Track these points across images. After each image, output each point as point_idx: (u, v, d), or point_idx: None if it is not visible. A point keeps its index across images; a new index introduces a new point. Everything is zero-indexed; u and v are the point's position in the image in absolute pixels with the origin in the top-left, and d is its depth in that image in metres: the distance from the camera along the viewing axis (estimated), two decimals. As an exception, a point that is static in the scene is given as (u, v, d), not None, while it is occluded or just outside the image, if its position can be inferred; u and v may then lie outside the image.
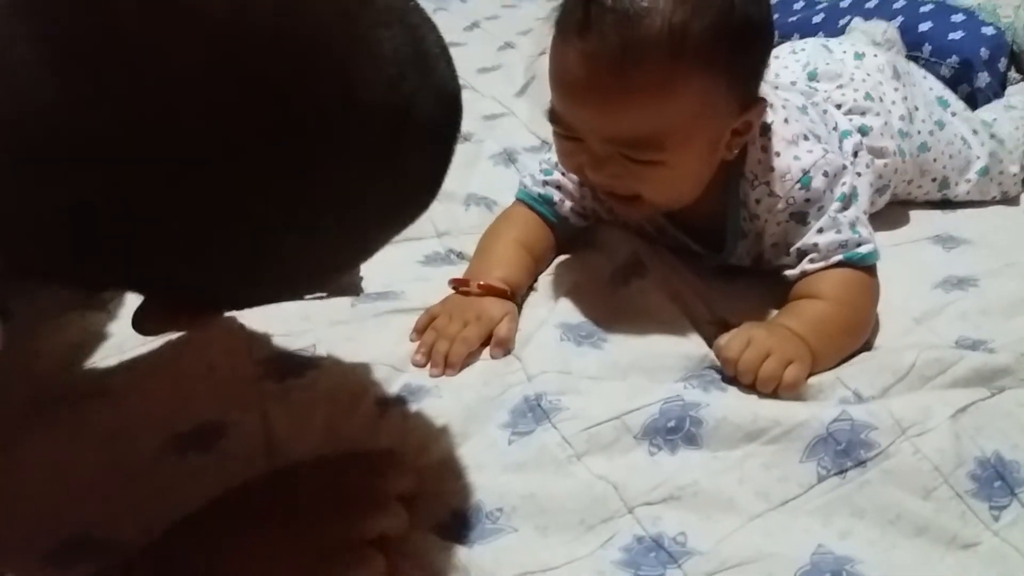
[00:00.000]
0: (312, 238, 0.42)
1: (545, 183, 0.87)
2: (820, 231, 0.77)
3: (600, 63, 0.67)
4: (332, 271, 0.50)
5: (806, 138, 0.79)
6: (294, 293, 0.51)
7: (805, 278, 0.77)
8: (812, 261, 0.77)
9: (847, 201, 0.78)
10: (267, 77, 0.37)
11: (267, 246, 0.42)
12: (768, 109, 0.77)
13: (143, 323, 0.47)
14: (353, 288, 0.84)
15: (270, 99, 0.38)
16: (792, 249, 0.78)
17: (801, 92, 0.94)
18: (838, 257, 0.76)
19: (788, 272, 0.79)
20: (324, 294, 0.82)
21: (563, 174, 0.86)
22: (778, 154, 0.78)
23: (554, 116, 0.74)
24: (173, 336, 0.74)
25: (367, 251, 0.48)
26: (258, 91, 0.37)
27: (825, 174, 0.77)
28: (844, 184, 0.78)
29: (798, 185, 0.77)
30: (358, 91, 0.40)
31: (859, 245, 0.77)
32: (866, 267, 0.77)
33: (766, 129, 0.78)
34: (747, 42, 0.71)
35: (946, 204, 1.04)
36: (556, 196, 0.87)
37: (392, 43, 0.41)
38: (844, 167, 0.79)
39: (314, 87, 0.38)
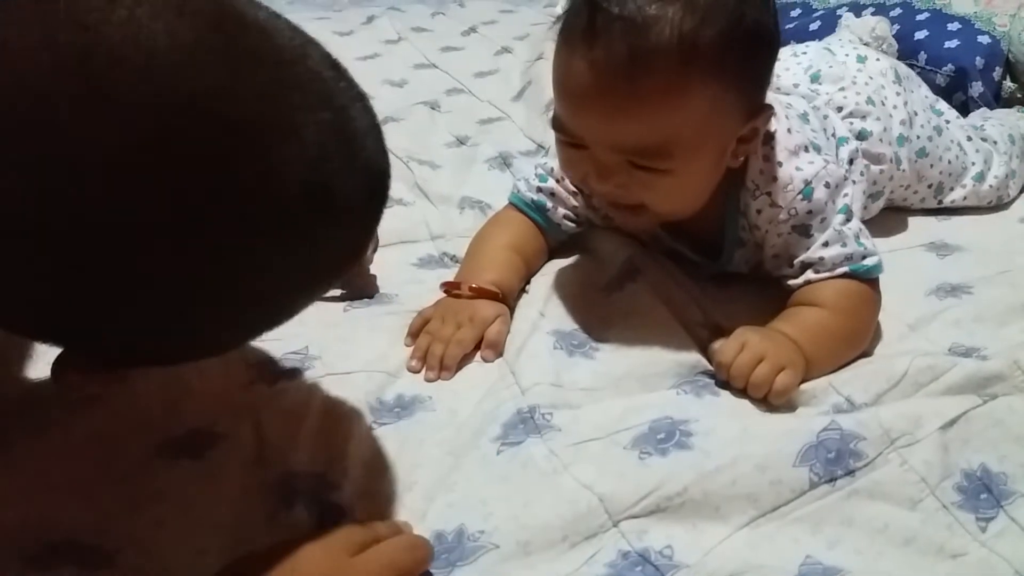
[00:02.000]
0: (225, 304, 0.45)
1: (539, 189, 0.87)
2: (826, 244, 0.76)
3: (608, 72, 0.66)
4: (247, 332, 0.52)
5: (807, 149, 0.79)
6: (212, 350, 0.52)
7: (806, 285, 0.77)
8: (816, 272, 0.77)
9: (849, 213, 0.77)
10: (189, 161, 0.40)
11: (182, 311, 0.44)
12: (771, 117, 0.76)
13: (63, 375, 0.50)
14: (369, 289, 0.84)
15: (188, 180, 0.40)
16: (796, 261, 0.78)
17: (803, 96, 0.94)
18: (843, 269, 0.76)
19: (790, 282, 0.78)
20: (342, 291, 0.83)
21: (558, 181, 0.86)
22: (780, 164, 0.77)
23: (558, 124, 0.73)
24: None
25: (284, 314, 0.50)
26: (178, 173, 0.40)
27: (827, 185, 0.76)
28: (846, 196, 0.78)
29: (800, 196, 0.76)
30: (279, 173, 0.42)
31: (864, 257, 0.76)
32: (869, 279, 0.77)
33: (769, 138, 0.78)
34: (756, 49, 0.71)
35: (942, 211, 1.04)
36: (549, 203, 0.86)
37: (317, 126, 0.43)
38: (845, 178, 0.78)
39: (234, 169, 0.41)
